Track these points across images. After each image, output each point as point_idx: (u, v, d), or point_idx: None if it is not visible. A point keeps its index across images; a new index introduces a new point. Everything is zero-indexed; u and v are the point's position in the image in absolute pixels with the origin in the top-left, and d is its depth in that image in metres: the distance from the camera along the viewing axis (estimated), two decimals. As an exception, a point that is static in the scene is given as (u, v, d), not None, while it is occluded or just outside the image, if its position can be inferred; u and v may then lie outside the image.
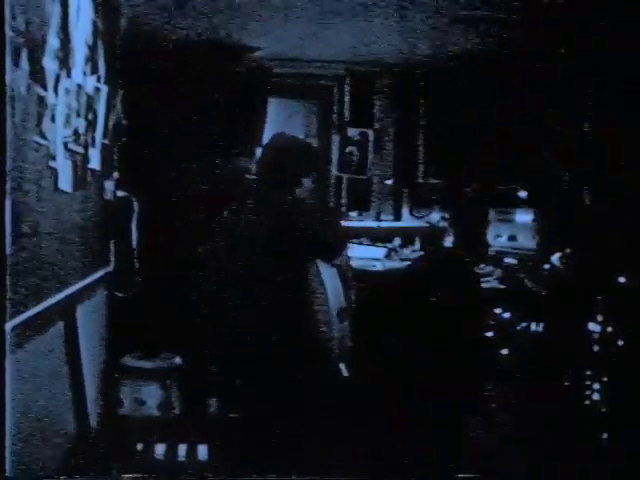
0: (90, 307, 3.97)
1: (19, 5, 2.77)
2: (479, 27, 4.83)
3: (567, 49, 4.53)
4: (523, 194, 5.11)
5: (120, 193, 4.50)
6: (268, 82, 5.39)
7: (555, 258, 4.66)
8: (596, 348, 4.24)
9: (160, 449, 3.98)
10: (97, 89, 3.88)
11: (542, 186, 4.96)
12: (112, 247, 4.49)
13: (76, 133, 3.52)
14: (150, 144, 4.72)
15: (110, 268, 4.45)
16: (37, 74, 2.96)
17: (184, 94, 4.84)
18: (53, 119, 3.16)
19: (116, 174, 4.47)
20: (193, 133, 4.91)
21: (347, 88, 5.84)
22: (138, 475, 3.28)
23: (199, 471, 3.87)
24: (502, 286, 4.90)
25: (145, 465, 3.89)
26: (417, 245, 5.67)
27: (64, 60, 3.29)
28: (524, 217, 5.13)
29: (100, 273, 4.21)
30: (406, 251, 5.54)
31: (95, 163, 3.97)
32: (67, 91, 3.33)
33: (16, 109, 2.76)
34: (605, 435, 4.05)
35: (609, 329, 4.21)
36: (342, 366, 3.71)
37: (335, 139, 5.86)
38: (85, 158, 3.76)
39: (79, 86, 3.55)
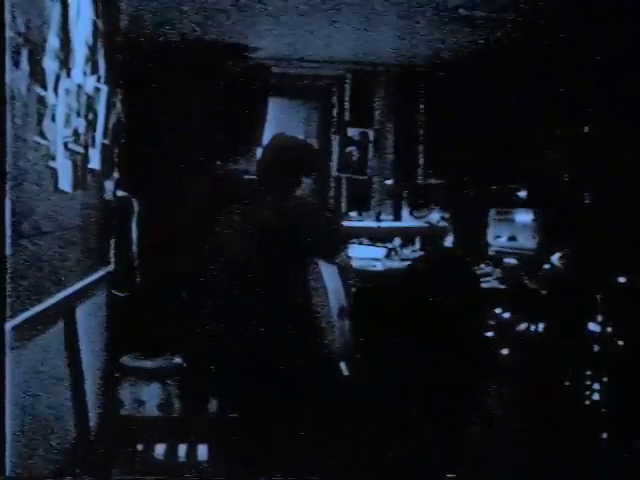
0: (90, 307, 3.97)
1: (19, 5, 2.77)
2: (479, 27, 4.83)
3: (567, 49, 4.53)
4: (523, 194, 5.11)
5: (120, 193, 4.50)
6: (268, 82, 5.39)
7: (555, 258, 4.66)
8: (596, 348, 4.24)
9: (160, 449, 3.98)
10: (97, 89, 3.88)
11: (542, 186, 4.96)
12: (112, 247, 4.49)
13: (76, 133, 3.52)
14: (150, 144, 4.72)
15: (110, 268, 4.45)
16: (37, 74, 2.96)
17: (184, 94, 4.84)
18: (53, 119, 3.16)
19: (116, 174, 4.47)
20: (193, 133, 4.91)
21: (347, 88, 5.84)
22: (138, 475, 3.28)
23: (199, 471, 3.87)
24: (502, 286, 4.90)
25: (145, 465, 3.89)
26: (417, 245, 5.67)
27: (64, 60, 3.29)
28: (524, 217, 5.13)
29: (100, 273, 4.21)
30: (406, 251, 5.54)
31: (95, 163, 3.96)
32: (67, 91, 3.33)
33: (16, 109, 2.75)
34: (605, 435, 4.05)
35: (609, 329, 4.21)
36: (342, 366, 3.71)
37: (335, 139, 5.86)
38: (85, 158, 3.75)
39: (79, 86, 3.55)
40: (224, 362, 3.55)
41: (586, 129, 4.56)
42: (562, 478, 3.50)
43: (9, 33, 2.71)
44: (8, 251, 2.70)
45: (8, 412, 2.74)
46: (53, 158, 3.22)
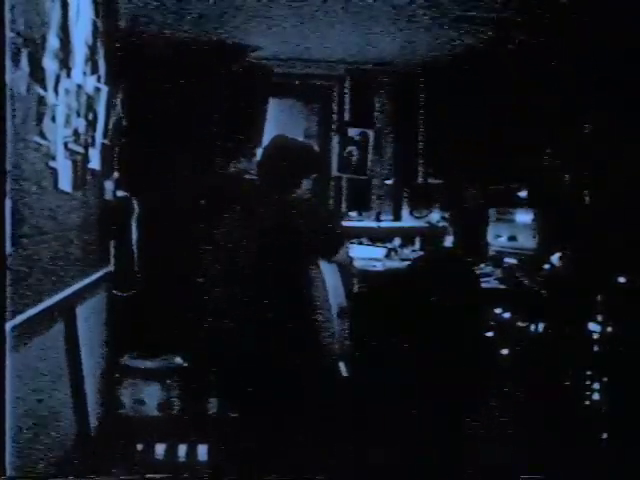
0: (90, 307, 3.97)
1: (19, 5, 2.77)
2: (479, 27, 4.83)
3: (567, 49, 4.53)
4: (523, 194, 5.11)
5: (120, 193, 4.50)
6: (268, 82, 5.39)
7: (555, 258, 4.66)
8: (596, 348, 4.24)
9: (160, 449, 3.98)
10: (97, 89, 3.88)
11: (542, 186, 4.96)
12: (112, 247, 4.49)
13: (76, 133, 3.52)
14: (150, 144, 4.72)
15: (110, 268, 4.45)
16: (37, 74, 2.96)
17: (184, 94, 4.84)
18: (53, 119, 3.16)
19: (116, 174, 4.47)
20: (193, 133, 4.91)
21: (347, 88, 5.84)
22: (138, 475, 3.28)
23: (199, 471, 3.87)
24: (502, 286, 4.90)
25: (145, 465, 3.89)
26: (417, 245, 5.67)
27: (64, 60, 3.29)
28: (524, 217, 5.13)
29: (100, 273, 4.21)
30: (406, 251, 5.54)
31: (95, 163, 3.96)
32: (67, 91, 3.33)
33: (16, 109, 2.75)
34: (605, 435, 4.05)
35: (609, 329, 4.21)
36: (342, 366, 3.71)
37: (335, 139, 5.86)
38: (85, 158, 3.76)
39: (79, 86, 3.55)
40: (224, 362, 3.55)
41: (586, 129, 4.56)
42: (562, 478, 3.50)
43: (9, 33, 2.71)
44: (8, 251, 2.70)
45: (8, 412, 2.74)
46: (53, 158, 3.22)
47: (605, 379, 4.19)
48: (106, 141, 4.14)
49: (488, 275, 5.00)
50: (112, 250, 4.49)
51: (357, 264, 4.77)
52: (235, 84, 5.07)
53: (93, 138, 3.89)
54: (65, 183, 3.40)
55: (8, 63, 2.70)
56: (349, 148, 5.84)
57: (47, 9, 3.09)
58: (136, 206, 4.53)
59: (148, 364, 4.33)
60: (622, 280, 4.22)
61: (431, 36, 4.98)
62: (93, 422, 3.88)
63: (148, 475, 3.25)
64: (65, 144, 3.35)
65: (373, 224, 5.79)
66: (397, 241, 5.62)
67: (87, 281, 3.88)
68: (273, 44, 5.20)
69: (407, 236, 5.68)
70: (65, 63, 3.31)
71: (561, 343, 4.36)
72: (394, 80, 5.81)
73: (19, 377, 2.79)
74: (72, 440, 3.58)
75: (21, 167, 2.83)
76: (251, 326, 3.42)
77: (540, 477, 3.20)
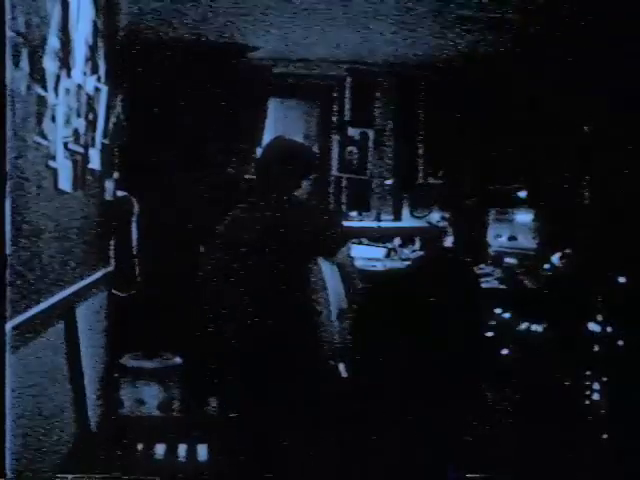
0: (90, 307, 3.97)
1: (19, 5, 2.77)
2: (479, 27, 4.83)
3: (567, 48, 4.53)
4: (523, 194, 5.11)
5: (120, 193, 4.50)
6: (268, 82, 5.39)
7: (555, 258, 4.66)
8: (596, 348, 4.24)
9: (160, 449, 3.98)
10: (97, 89, 3.88)
11: (542, 186, 4.96)
12: (112, 247, 4.49)
13: (76, 133, 3.52)
14: (150, 144, 4.72)
15: (110, 268, 4.45)
16: (37, 74, 2.96)
17: (184, 94, 4.84)
18: (53, 119, 3.16)
19: (116, 174, 4.47)
20: (193, 133, 4.91)
21: (347, 88, 5.84)
22: (138, 475, 3.28)
23: (199, 471, 3.87)
24: (502, 286, 4.90)
25: (145, 465, 3.89)
26: (417, 245, 5.67)
27: (64, 60, 3.29)
28: (524, 217, 5.13)
29: (100, 273, 4.21)
30: (406, 251, 5.53)
31: (95, 163, 3.97)
32: (67, 91, 3.33)
33: (16, 109, 2.76)
34: (605, 435, 4.05)
35: (609, 329, 4.21)
36: (342, 366, 3.71)
37: (335, 139, 5.86)
38: (85, 158, 3.76)
39: (79, 86, 3.55)
40: (224, 362, 3.55)
41: (586, 129, 4.56)
42: (562, 478, 3.50)
43: (9, 33, 2.71)
44: (8, 251, 2.70)
45: (8, 412, 2.74)
46: (53, 158, 3.22)
47: (605, 379, 4.19)
48: (106, 141, 4.14)
49: (488, 275, 5.00)
50: (112, 250, 4.49)
51: (357, 264, 4.77)
52: (235, 84, 5.07)
53: (93, 138, 3.89)
54: (65, 183, 3.40)
55: (8, 63, 2.70)
56: (349, 148, 5.84)
57: (47, 9, 3.09)
58: (136, 206, 4.53)
59: (148, 364, 4.33)
60: (622, 280, 4.22)
61: (431, 36, 4.98)
62: (93, 422, 3.88)
63: (148, 475, 3.25)
64: (65, 144, 3.35)
65: (373, 224, 5.78)
66: (397, 241, 5.62)
67: (87, 281, 3.88)
68: (273, 44, 5.20)
69: (407, 236, 5.68)
70: (65, 63, 3.31)
71: (561, 343, 4.36)
72: (394, 80, 5.81)
73: (19, 377, 2.79)
74: (72, 440, 3.58)
75: (21, 167, 2.83)
76: (251, 326, 3.42)
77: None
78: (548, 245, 4.84)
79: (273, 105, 5.50)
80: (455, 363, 4.01)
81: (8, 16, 2.71)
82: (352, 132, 5.85)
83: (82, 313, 3.75)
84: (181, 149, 4.87)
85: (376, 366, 4.10)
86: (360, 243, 5.44)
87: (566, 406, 4.20)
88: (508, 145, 5.01)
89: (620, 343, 4.18)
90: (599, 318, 4.23)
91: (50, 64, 3.09)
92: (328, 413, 3.51)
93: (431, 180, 5.84)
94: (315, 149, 5.56)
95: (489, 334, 4.54)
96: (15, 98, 2.73)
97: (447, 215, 5.54)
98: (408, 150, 5.87)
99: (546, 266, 4.71)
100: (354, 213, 5.87)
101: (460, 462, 3.73)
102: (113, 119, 4.28)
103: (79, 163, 3.63)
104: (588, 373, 4.22)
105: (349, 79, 5.82)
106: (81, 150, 3.65)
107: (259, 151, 4.40)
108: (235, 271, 3.48)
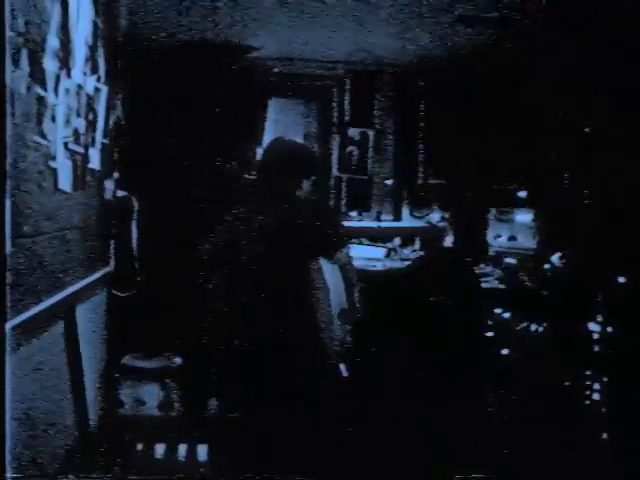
0: (90, 307, 3.97)
1: (19, 5, 2.77)
2: (479, 27, 4.83)
3: (567, 48, 4.54)
4: (523, 194, 5.11)
5: (120, 193, 4.50)
6: (268, 82, 5.39)
7: (555, 258, 4.66)
8: (596, 348, 4.24)
9: (160, 449, 3.98)
10: (97, 89, 3.88)
11: (542, 186, 4.96)
12: (112, 247, 4.49)
13: (76, 133, 3.52)
14: (150, 144, 4.72)
15: (110, 268, 4.45)
16: (37, 74, 2.96)
17: (184, 94, 4.84)
18: (53, 119, 3.16)
19: (116, 174, 4.47)
20: (193, 133, 4.91)
21: (347, 88, 5.84)
22: (138, 475, 3.28)
23: (199, 471, 3.87)
24: (502, 286, 4.90)
25: (145, 465, 3.89)
26: (417, 245, 5.67)
27: (64, 60, 3.29)
28: (524, 217, 5.13)
29: (100, 273, 4.21)
30: (406, 251, 5.54)
31: (95, 163, 3.97)
32: (67, 91, 3.33)
33: (16, 109, 2.76)
34: (605, 435, 4.05)
35: (609, 329, 4.21)
36: (342, 366, 3.71)
37: (335, 139, 5.86)
38: (85, 158, 3.76)
39: (79, 86, 3.55)
40: (224, 362, 3.55)
41: (586, 129, 4.56)
42: (562, 478, 3.50)
43: (9, 33, 2.71)
44: (8, 251, 2.70)
45: (8, 412, 2.74)
46: (53, 158, 3.22)
47: (605, 379, 4.19)
48: (106, 141, 4.14)
49: (488, 275, 5.00)
50: (112, 250, 4.49)
51: (357, 264, 4.77)
52: (235, 84, 5.07)
53: (93, 138, 3.89)
54: (65, 183, 3.40)
55: (8, 63, 2.70)
56: (349, 148, 5.85)
57: (47, 9, 3.09)
58: (136, 206, 4.53)
59: (148, 364, 4.33)
60: (622, 280, 4.23)
61: (431, 36, 4.98)
62: (93, 422, 3.88)
63: (148, 475, 3.25)
64: (65, 144, 3.35)
65: (373, 224, 5.79)
66: (397, 241, 5.62)
67: (87, 281, 3.88)
68: (273, 44, 5.20)
69: (407, 236, 5.68)
70: (65, 63, 3.31)
71: (561, 343, 4.36)
72: (394, 80, 5.81)
73: (19, 377, 2.79)
74: (72, 440, 3.58)
75: (21, 167, 2.83)
76: (251, 326, 3.42)
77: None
78: (548, 245, 4.84)
79: (273, 105, 5.51)
80: (455, 363, 4.02)
81: (8, 16, 2.71)
82: (352, 132, 5.85)
83: (82, 313, 3.75)
84: (181, 149, 4.87)
85: (376, 366, 4.10)
86: (360, 243, 5.44)
87: (566, 406, 4.20)
88: (508, 145, 5.01)
89: (620, 343, 4.18)
90: (599, 318, 4.23)
91: (50, 64, 3.09)
92: (328, 413, 3.51)
93: (431, 180, 5.85)
94: (315, 149, 5.57)
95: (489, 334, 4.54)
96: (15, 98, 2.73)
97: (447, 215, 5.54)
98: (408, 150, 5.87)
99: (546, 266, 4.71)
100: (354, 213, 5.88)
101: (460, 462, 3.73)
102: (113, 119, 4.28)
103: (79, 163, 3.63)
104: (588, 373, 4.22)
105: (349, 79, 5.83)
106: (81, 150, 3.65)
107: (259, 151, 4.40)
108: (235, 271, 3.48)
